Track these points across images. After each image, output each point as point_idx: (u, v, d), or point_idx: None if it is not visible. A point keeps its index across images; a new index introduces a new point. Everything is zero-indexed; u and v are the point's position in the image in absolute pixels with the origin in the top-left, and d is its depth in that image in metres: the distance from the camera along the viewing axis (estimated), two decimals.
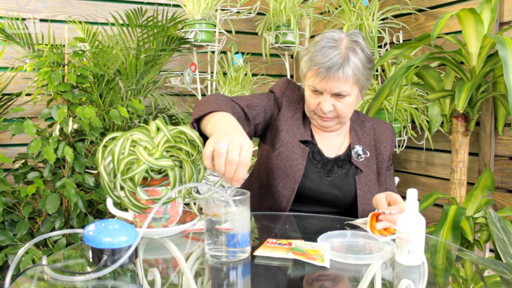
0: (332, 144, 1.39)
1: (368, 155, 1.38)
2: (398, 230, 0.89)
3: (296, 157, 1.31)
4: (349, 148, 1.38)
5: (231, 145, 0.90)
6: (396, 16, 2.40)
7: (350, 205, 1.33)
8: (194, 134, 1.04)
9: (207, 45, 2.33)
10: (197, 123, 1.17)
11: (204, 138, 1.11)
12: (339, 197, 1.32)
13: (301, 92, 1.42)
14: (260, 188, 1.37)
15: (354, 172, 1.35)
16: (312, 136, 1.38)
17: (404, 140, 2.27)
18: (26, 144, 1.90)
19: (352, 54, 1.26)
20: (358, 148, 1.37)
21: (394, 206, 1.07)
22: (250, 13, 2.45)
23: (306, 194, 1.32)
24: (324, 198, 1.32)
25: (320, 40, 1.29)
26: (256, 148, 1.51)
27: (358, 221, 1.12)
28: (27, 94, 1.92)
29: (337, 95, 1.28)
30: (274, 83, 1.47)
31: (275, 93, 1.42)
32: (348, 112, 1.32)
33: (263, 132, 1.41)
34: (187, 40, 2.15)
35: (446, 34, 1.92)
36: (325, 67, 1.24)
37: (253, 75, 2.51)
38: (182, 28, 2.25)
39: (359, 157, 1.36)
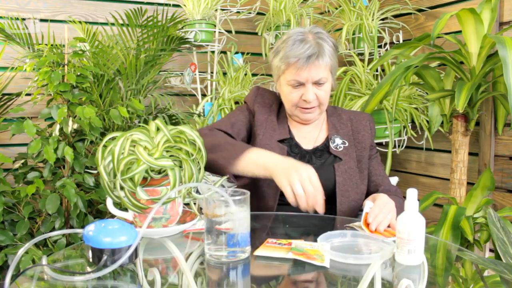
0: (309, 136, 1.44)
1: (347, 144, 1.42)
2: (398, 230, 0.89)
3: None
4: (327, 140, 1.43)
5: (304, 182, 1.09)
6: (396, 16, 2.40)
7: (332, 192, 1.35)
8: (194, 134, 1.04)
9: (207, 45, 2.33)
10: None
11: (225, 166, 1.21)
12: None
13: (273, 95, 1.50)
14: (247, 190, 1.39)
15: (332, 160, 1.39)
16: (289, 132, 1.43)
17: (404, 140, 2.27)
18: (26, 144, 1.89)
19: (323, 42, 1.34)
20: (337, 139, 1.42)
21: (376, 203, 1.13)
22: (250, 13, 2.45)
23: None
24: None
25: (288, 37, 1.37)
26: None
27: (355, 224, 1.13)
28: (27, 94, 1.92)
29: (317, 84, 1.35)
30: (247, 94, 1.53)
31: (248, 103, 1.48)
32: (327, 99, 1.40)
33: (247, 142, 1.46)
34: (187, 40, 2.15)
35: (446, 34, 1.92)
36: (305, 56, 1.31)
37: (253, 75, 2.51)
38: (182, 28, 2.25)
39: (338, 147, 1.41)
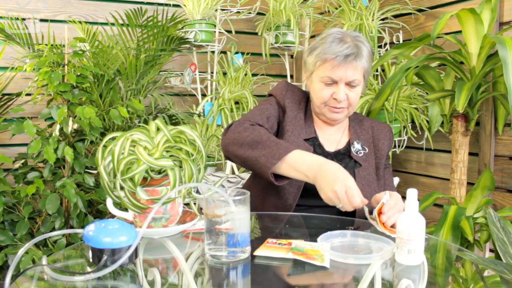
0: (332, 138, 1.44)
1: (367, 151, 1.42)
2: (398, 230, 0.89)
3: None
4: (349, 144, 1.43)
5: (350, 192, 1.06)
6: (396, 16, 2.40)
7: None
8: (194, 134, 1.04)
9: (207, 45, 2.33)
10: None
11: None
12: None
13: (302, 92, 1.47)
14: (264, 187, 1.38)
15: (353, 165, 1.39)
16: (314, 131, 1.43)
17: (404, 140, 2.27)
18: (26, 144, 1.89)
19: (362, 44, 1.34)
20: (357, 144, 1.42)
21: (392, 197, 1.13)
22: (250, 13, 2.45)
23: (308, 187, 1.33)
24: None
25: (326, 35, 1.36)
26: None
27: (370, 218, 1.14)
28: (27, 94, 1.92)
29: (350, 85, 1.34)
30: (273, 87, 1.50)
31: (276, 96, 1.45)
32: (356, 102, 1.39)
33: (276, 136, 1.43)
34: (187, 40, 2.15)
35: (446, 34, 1.92)
36: (343, 55, 1.30)
37: (253, 75, 2.51)
38: (182, 28, 2.25)
39: (358, 152, 1.41)
